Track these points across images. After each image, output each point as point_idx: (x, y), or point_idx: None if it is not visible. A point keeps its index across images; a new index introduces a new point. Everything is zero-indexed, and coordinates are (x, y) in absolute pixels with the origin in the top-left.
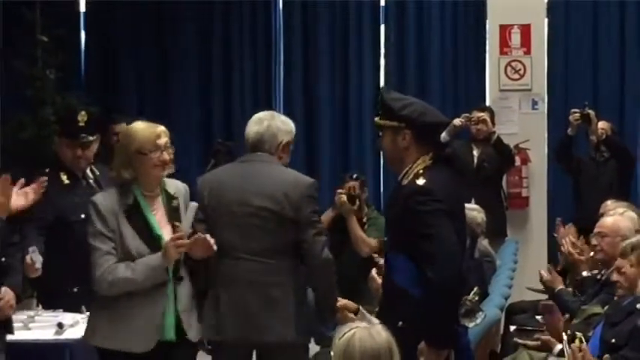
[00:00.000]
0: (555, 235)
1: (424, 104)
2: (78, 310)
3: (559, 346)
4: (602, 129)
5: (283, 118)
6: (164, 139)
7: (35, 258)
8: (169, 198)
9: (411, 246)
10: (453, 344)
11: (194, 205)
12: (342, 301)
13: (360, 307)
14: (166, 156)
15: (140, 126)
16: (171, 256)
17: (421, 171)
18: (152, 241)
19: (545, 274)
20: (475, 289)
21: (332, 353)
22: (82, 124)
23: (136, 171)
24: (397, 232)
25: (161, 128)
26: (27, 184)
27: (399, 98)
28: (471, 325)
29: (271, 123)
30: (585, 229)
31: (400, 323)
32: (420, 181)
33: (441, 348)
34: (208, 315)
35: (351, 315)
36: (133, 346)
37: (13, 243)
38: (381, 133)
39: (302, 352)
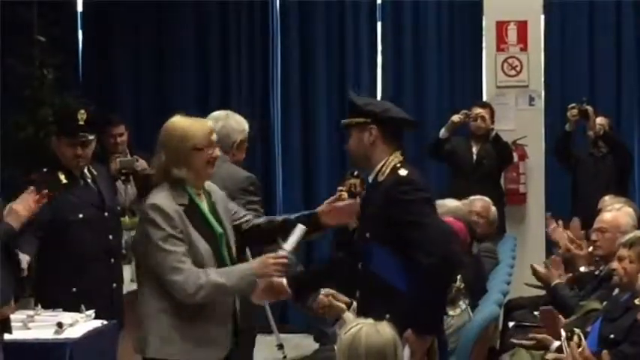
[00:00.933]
0: (547, 230)
1: (390, 103)
2: (77, 310)
3: (556, 343)
4: (600, 124)
5: (238, 117)
6: (214, 135)
7: (21, 257)
8: (209, 196)
9: (396, 238)
10: (439, 331)
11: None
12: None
13: (352, 306)
14: (218, 152)
15: (190, 121)
16: (266, 274)
17: (399, 164)
18: (214, 241)
19: (538, 267)
20: (458, 276)
21: (336, 348)
22: (81, 122)
23: (190, 168)
24: (380, 227)
25: (211, 123)
26: (27, 185)
27: (365, 97)
28: (451, 312)
29: (225, 123)
30: (583, 225)
31: (387, 316)
32: (403, 172)
33: (429, 334)
34: None
35: (341, 305)
36: (216, 353)
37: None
38: (348, 134)
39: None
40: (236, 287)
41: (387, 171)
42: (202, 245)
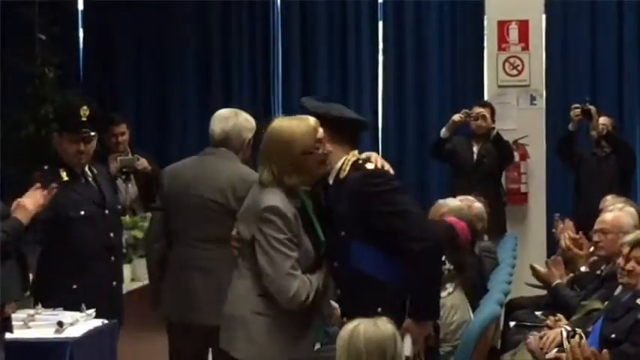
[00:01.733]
0: (554, 230)
1: (340, 105)
2: (78, 308)
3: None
4: (603, 124)
5: (246, 115)
6: (320, 130)
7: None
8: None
9: (376, 231)
10: (438, 315)
11: None
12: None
13: None
14: (328, 147)
15: (294, 123)
16: None
17: (360, 161)
18: (317, 248)
19: (539, 267)
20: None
21: (336, 346)
22: (84, 118)
23: (302, 173)
24: (355, 223)
25: (313, 119)
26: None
27: (317, 102)
28: (442, 294)
29: (236, 121)
30: (585, 225)
31: (379, 309)
32: (370, 165)
33: (429, 319)
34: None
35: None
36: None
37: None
38: None
39: None
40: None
41: (348, 168)
42: (310, 250)
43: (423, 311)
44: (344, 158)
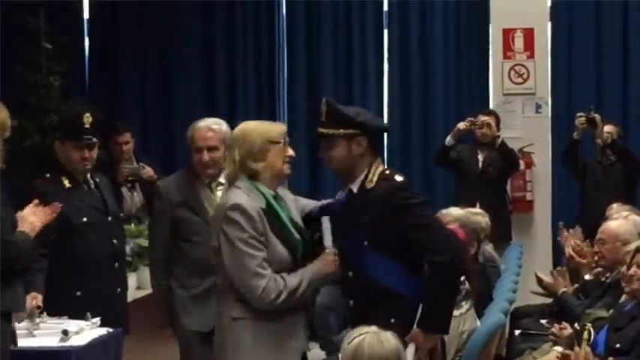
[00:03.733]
0: (559, 238)
1: (365, 110)
2: (81, 314)
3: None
4: (609, 133)
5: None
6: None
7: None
8: (282, 201)
9: (399, 243)
10: (447, 330)
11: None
12: None
13: None
14: (292, 152)
15: (263, 121)
16: (331, 272)
17: (387, 171)
18: (292, 248)
19: (543, 276)
20: (462, 277)
21: (340, 357)
22: (87, 125)
23: (266, 161)
24: (380, 233)
25: (283, 125)
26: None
27: (347, 107)
28: (455, 313)
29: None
30: (591, 233)
31: (392, 320)
32: (399, 178)
33: (438, 333)
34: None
35: None
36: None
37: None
38: (327, 145)
39: None
40: (306, 291)
41: (375, 178)
42: (280, 251)
43: (433, 324)
44: (371, 167)
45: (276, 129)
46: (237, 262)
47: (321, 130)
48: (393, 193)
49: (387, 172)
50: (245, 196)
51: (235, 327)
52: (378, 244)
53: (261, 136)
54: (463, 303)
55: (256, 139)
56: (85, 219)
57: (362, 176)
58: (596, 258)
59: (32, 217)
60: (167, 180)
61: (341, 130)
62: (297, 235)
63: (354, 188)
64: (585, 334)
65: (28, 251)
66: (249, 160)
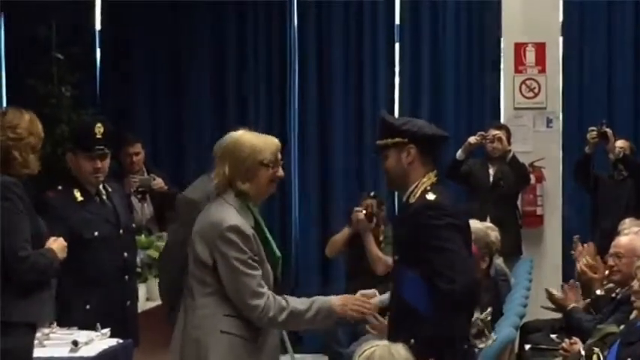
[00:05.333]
0: (572, 252)
1: (423, 121)
2: (91, 327)
3: None
4: (620, 147)
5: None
6: (279, 154)
7: None
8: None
9: (422, 263)
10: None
11: None
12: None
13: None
14: (282, 172)
15: (258, 137)
16: (345, 313)
17: (429, 187)
18: (273, 265)
19: (554, 291)
20: (489, 309)
21: None
22: (99, 136)
23: (253, 183)
24: (408, 250)
25: (277, 140)
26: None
27: (398, 118)
28: (481, 345)
29: None
30: (602, 248)
31: (412, 341)
32: (430, 196)
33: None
34: None
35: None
36: None
37: None
38: (383, 156)
39: None
40: (313, 319)
41: (418, 193)
42: (268, 269)
43: (442, 352)
44: (419, 180)
45: (269, 149)
46: (238, 283)
47: (377, 142)
48: (420, 210)
49: (429, 187)
50: (240, 217)
51: (224, 340)
52: (405, 260)
53: (251, 157)
54: (490, 335)
55: (246, 158)
56: (96, 233)
57: (412, 188)
58: (608, 272)
59: (54, 245)
60: None
61: (389, 140)
62: (278, 252)
63: (403, 199)
64: (594, 358)
65: (46, 265)
66: (237, 180)
